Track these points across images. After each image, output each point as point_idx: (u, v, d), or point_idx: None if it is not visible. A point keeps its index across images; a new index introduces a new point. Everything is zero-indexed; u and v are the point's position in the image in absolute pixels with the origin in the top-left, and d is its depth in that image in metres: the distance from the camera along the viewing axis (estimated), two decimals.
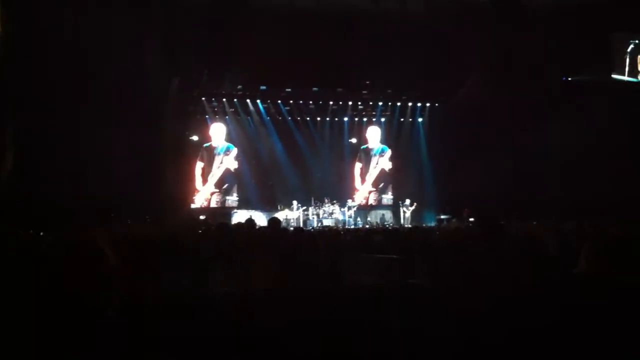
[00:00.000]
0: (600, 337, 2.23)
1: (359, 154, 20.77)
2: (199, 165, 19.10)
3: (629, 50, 16.24)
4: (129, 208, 13.53)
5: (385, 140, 20.95)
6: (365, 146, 20.86)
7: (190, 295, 2.46)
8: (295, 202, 18.34)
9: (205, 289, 2.75)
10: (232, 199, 19.32)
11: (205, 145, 19.22)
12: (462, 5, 15.13)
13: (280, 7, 14.89)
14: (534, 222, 11.43)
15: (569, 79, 16.32)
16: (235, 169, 19.31)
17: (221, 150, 19.33)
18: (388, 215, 20.09)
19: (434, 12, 15.03)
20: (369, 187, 20.73)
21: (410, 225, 17.60)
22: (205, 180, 19.11)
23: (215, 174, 19.20)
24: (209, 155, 19.25)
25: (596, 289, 2.55)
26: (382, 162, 20.87)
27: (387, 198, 20.82)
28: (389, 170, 20.82)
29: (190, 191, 18.76)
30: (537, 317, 2.34)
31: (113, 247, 1.77)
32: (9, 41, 11.83)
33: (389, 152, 20.94)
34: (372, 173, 20.81)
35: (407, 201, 19.10)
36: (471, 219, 15.40)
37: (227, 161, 19.28)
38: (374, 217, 19.95)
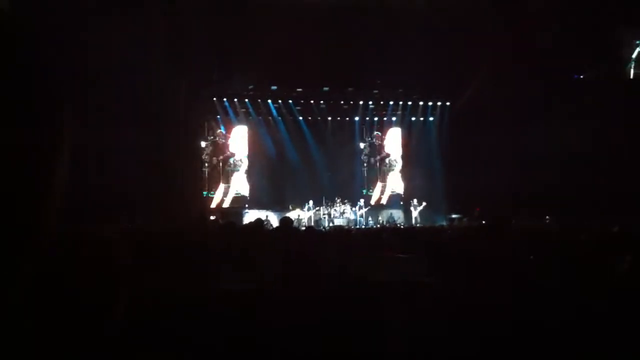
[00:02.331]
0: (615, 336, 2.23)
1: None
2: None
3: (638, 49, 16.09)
4: (138, 208, 13.61)
5: (398, 139, 20.97)
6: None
7: (197, 295, 2.47)
8: (311, 202, 18.39)
9: (213, 289, 2.78)
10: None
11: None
12: (466, 3, 15.10)
13: (287, 6, 14.92)
14: (545, 219, 11.38)
15: (578, 76, 16.22)
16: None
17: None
18: (397, 214, 20.07)
19: (440, 11, 15.00)
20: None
21: (419, 224, 17.58)
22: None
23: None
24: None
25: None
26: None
27: (398, 198, 20.78)
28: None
29: (201, 191, 18.81)
30: (544, 316, 2.33)
31: (121, 246, 1.78)
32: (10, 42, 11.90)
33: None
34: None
35: (415, 200, 19.09)
36: (483, 220, 15.33)
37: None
38: (384, 216, 19.93)
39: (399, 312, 2.69)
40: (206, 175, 18.98)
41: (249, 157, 19.52)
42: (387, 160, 20.81)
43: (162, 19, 14.15)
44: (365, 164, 20.61)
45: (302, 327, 2.41)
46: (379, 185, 20.68)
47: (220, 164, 19.24)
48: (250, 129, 19.55)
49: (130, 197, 13.36)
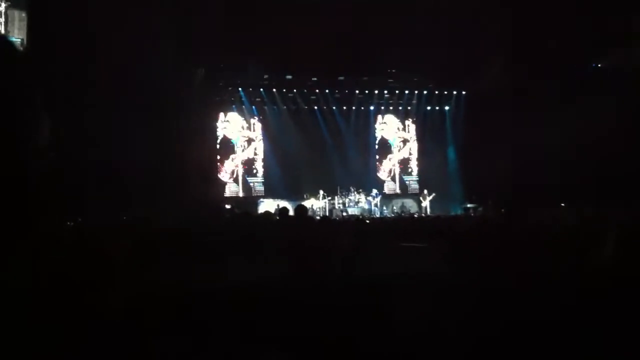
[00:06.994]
0: (617, 326, 2.22)
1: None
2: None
3: None
4: (153, 197, 13.69)
5: (413, 128, 20.96)
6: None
7: (206, 286, 2.49)
8: (321, 192, 18.41)
9: (225, 280, 2.79)
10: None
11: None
12: None
13: None
14: (560, 208, 11.29)
15: (595, 65, 16.02)
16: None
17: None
18: (410, 203, 20.08)
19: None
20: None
21: (430, 214, 17.59)
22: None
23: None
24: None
25: (620, 280, 2.53)
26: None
27: (413, 187, 20.77)
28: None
29: (216, 180, 18.91)
30: (556, 306, 2.33)
31: (130, 238, 1.80)
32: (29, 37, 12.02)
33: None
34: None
35: (425, 191, 19.15)
36: (502, 209, 15.26)
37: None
38: (397, 206, 19.94)
39: (414, 303, 2.70)
40: (221, 164, 19.06)
41: (264, 146, 19.56)
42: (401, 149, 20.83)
43: (177, 8, 14.17)
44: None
45: (313, 319, 2.42)
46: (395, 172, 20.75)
47: (235, 153, 19.29)
48: (265, 118, 19.58)
49: (144, 187, 13.47)
